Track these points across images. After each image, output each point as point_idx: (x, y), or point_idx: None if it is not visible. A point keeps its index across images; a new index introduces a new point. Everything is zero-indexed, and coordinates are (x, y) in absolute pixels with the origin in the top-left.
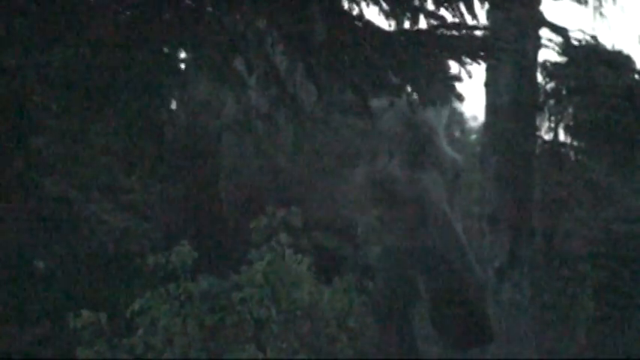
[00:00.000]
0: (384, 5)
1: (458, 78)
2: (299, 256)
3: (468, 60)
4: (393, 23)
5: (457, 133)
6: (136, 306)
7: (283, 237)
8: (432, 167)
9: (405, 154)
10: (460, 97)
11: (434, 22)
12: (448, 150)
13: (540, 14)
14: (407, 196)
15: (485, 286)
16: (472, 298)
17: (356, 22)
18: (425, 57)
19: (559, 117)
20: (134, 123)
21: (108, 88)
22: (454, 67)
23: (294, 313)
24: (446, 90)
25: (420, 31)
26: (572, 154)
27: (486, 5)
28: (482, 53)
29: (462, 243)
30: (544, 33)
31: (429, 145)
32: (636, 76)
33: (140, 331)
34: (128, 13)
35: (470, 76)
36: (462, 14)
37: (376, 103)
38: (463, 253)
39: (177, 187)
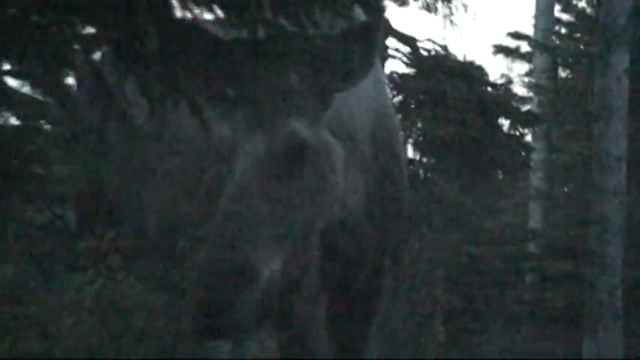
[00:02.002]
0: (219, 13)
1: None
2: (131, 280)
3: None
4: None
5: None
6: None
7: (114, 260)
8: (261, 133)
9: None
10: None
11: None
12: (293, 122)
13: (386, 22)
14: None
15: (238, 270)
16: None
17: (190, 31)
18: (263, 68)
19: (407, 132)
20: None
21: None
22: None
23: (127, 339)
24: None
25: (257, 40)
26: (421, 171)
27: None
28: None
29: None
30: (390, 42)
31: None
32: (489, 89)
33: None
34: None
35: None
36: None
37: None
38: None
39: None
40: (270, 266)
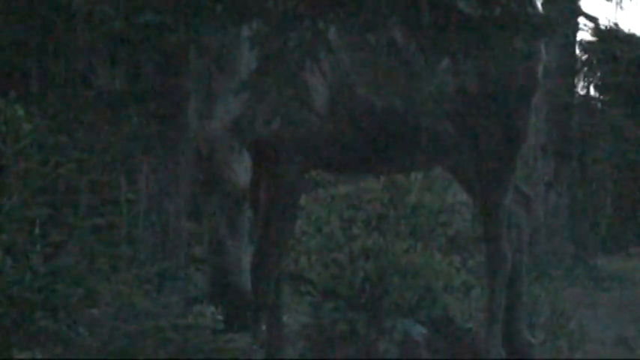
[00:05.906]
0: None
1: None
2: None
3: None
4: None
5: None
6: None
7: None
8: None
9: None
10: None
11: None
12: None
13: (579, 7)
14: None
15: None
16: None
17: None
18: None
19: (591, 79)
20: None
21: None
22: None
23: (405, 211)
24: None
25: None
26: (599, 104)
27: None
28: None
29: None
30: (581, 20)
31: None
32: None
33: (298, 222)
34: None
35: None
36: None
37: None
38: None
39: None
40: None
